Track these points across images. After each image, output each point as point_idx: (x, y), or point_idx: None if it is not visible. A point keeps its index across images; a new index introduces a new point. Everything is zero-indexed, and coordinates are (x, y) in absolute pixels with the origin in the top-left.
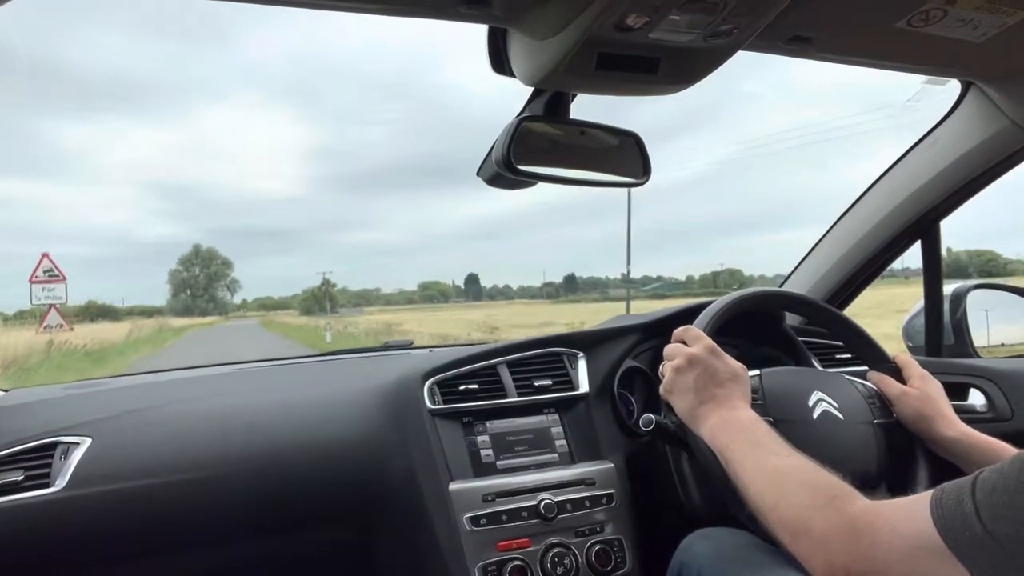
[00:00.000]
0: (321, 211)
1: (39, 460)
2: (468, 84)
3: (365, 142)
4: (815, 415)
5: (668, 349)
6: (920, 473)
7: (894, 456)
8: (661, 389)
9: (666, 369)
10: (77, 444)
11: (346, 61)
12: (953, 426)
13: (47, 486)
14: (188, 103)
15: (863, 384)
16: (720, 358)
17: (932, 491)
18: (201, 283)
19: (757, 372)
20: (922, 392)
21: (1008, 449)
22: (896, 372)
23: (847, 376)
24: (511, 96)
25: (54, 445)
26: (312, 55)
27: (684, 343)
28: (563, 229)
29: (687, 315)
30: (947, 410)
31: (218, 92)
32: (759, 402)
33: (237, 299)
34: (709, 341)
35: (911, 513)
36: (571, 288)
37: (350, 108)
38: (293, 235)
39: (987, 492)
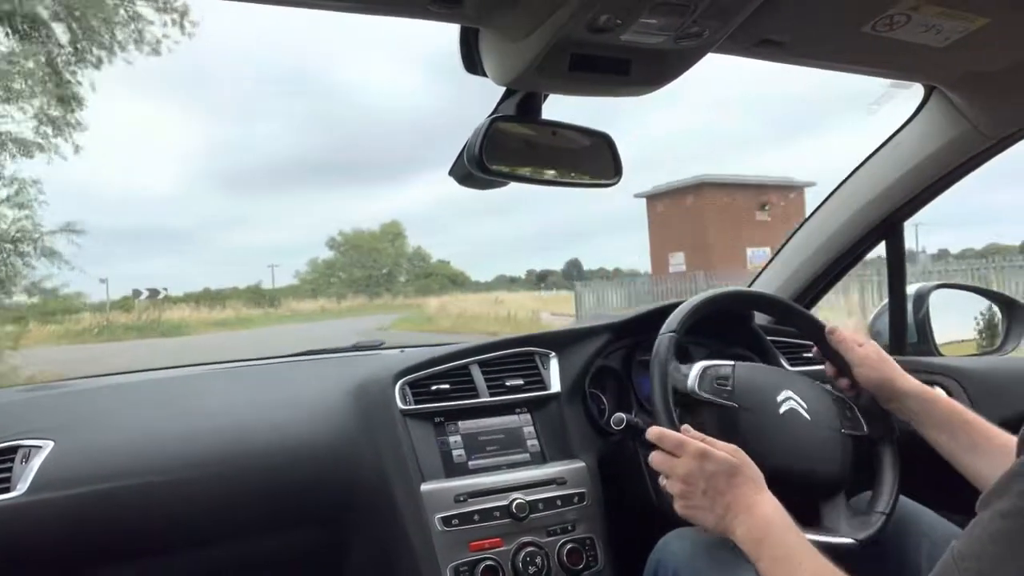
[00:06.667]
0: (210, 209)
1: None
2: (371, 81)
3: (258, 138)
4: (781, 410)
5: (656, 463)
6: (884, 487)
7: (859, 468)
8: (678, 510)
9: (670, 489)
10: (39, 448)
11: (238, 53)
12: (910, 381)
13: (7, 491)
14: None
15: (838, 394)
16: (711, 458)
17: None
18: None
19: (732, 363)
20: (877, 352)
21: (960, 410)
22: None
23: (826, 387)
24: (418, 95)
25: (15, 449)
26: (200, 44)
27: (665, 449)
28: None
29: (657, 316)
30: (899, 368)
31: (94, 81)
32: (728, 388)
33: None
34: (694, 445)
35: None
36: (579, 277)
37: (242, 102)
38: (178, 235)
39: None
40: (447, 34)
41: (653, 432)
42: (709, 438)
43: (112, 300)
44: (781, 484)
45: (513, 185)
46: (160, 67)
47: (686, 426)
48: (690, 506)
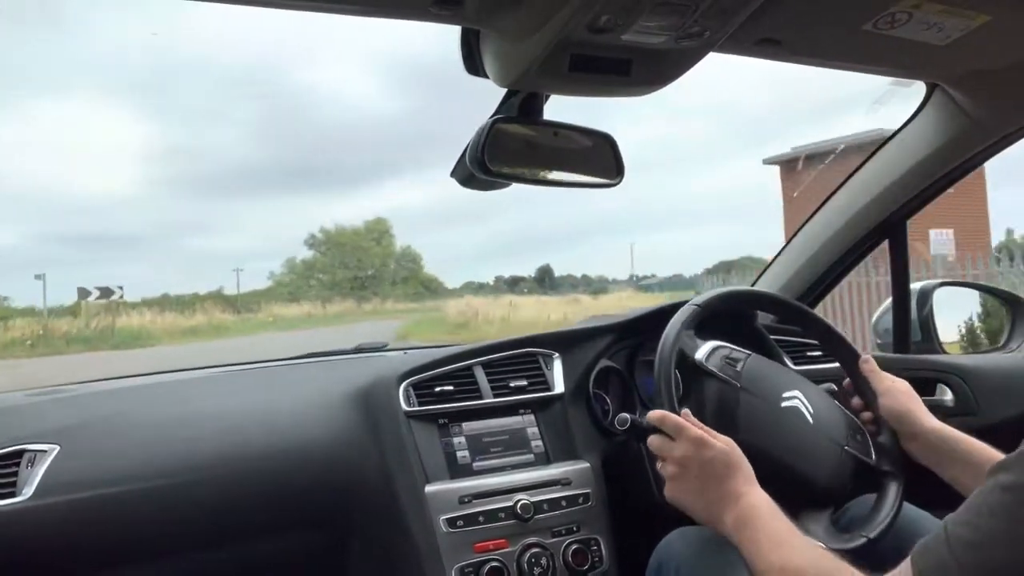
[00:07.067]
0: (170, 214)
1: (5, 469)
2: (331, 85)
3: (219, 141)
4: (783, 404)
5: (654, 445)
6: (879, 516)
7: (854, 489)
8: (667, 497)
9: (663, 471)
10: (44, 452)
11: (199, 55)
12: (932, 419)
13: (13, 495)
14: (11, 94)
15: (850, 415)
16: (708, 447)
17: (910, 558)
18: None
19: (748, 352)
20: (906, 387)
21: (984, 448)
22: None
23: (843, 409)
24: (378, 100)
25: (20, 453)
26: (160, 47)
27: (664, 432)
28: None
29: (661, 315)
30: (924, 407)
31: (49, 83)
32: (736, 369)
33: None
34: (692, 431)
35: None
36: (551, 285)
37: (203, 105)
38: (138, 240)
39: (964, 550)
40: (418, 37)
41: (655, 414)
42: (709, 428)
43: (55, 306)
44: (768, 476)
45: (478, 195)
46: (118, 67)
47: (686, 411)
48: (681, 489)
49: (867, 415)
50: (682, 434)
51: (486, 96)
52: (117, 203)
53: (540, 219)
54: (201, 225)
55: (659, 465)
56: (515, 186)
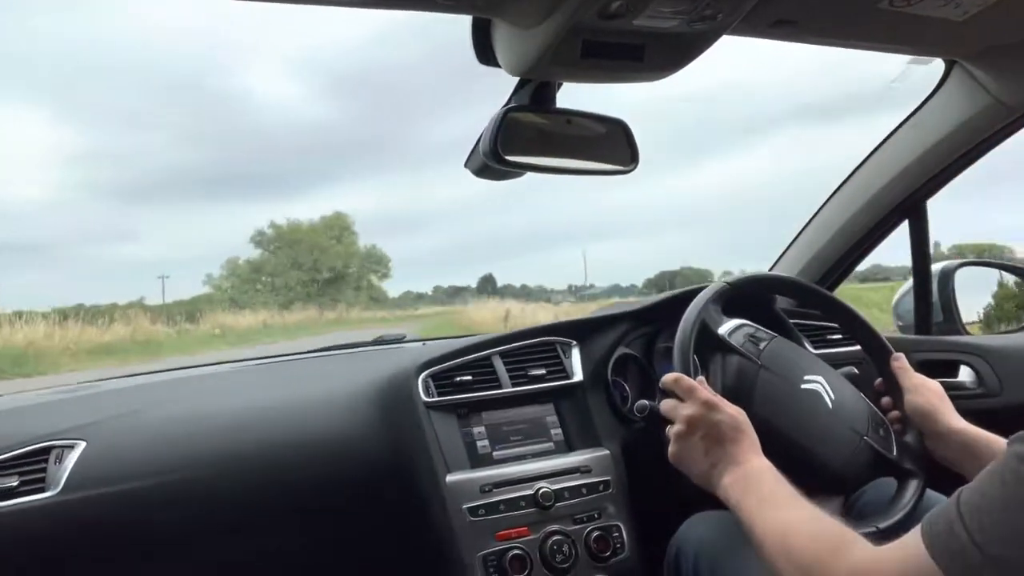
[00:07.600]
0: (86, 222)
1: (34, 465)
2: (257, 90)
3: (139, 148)
4: (803, 386)
5: (665, 408)
6: (893, 511)
7: (868, 479)
8: (670, 457)
9: (669, 434)
10: (72, 447)
11: (117, 58)
12: (960, 419)
13: (43, 491)
14: None
15: (876, 409)
16: (718, 410)
17: (920, 527)
18: None
19: (774, 335)
20: (936, 386)
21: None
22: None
23: (869, 403)
24: (303, 106)
25: (48, 449)
26: (76, 50)
27: (676, 394)
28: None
29: (678, 302)
30: (953, 408)
31: None
32: (758, 348)
33: None
34: (703, 393)
35: (909, 553)
36: (493, 294)
37: (123, 110)
38: (49, 248)
39: (974, 516)
40: (353, 41)
41: (669, 377)
42: (720, 397)
43: None
44: (778, 453)
45: (415, 203)
46: (34, 66)
47: (701, 377)
48: (684, 449)
49: (895, 414)
50: (693, 395)
51: (426, 106)
52: (26, 208)
53: (478, 228)
54: (124, 232)
55: (668, 429)
56: (450, 194)
